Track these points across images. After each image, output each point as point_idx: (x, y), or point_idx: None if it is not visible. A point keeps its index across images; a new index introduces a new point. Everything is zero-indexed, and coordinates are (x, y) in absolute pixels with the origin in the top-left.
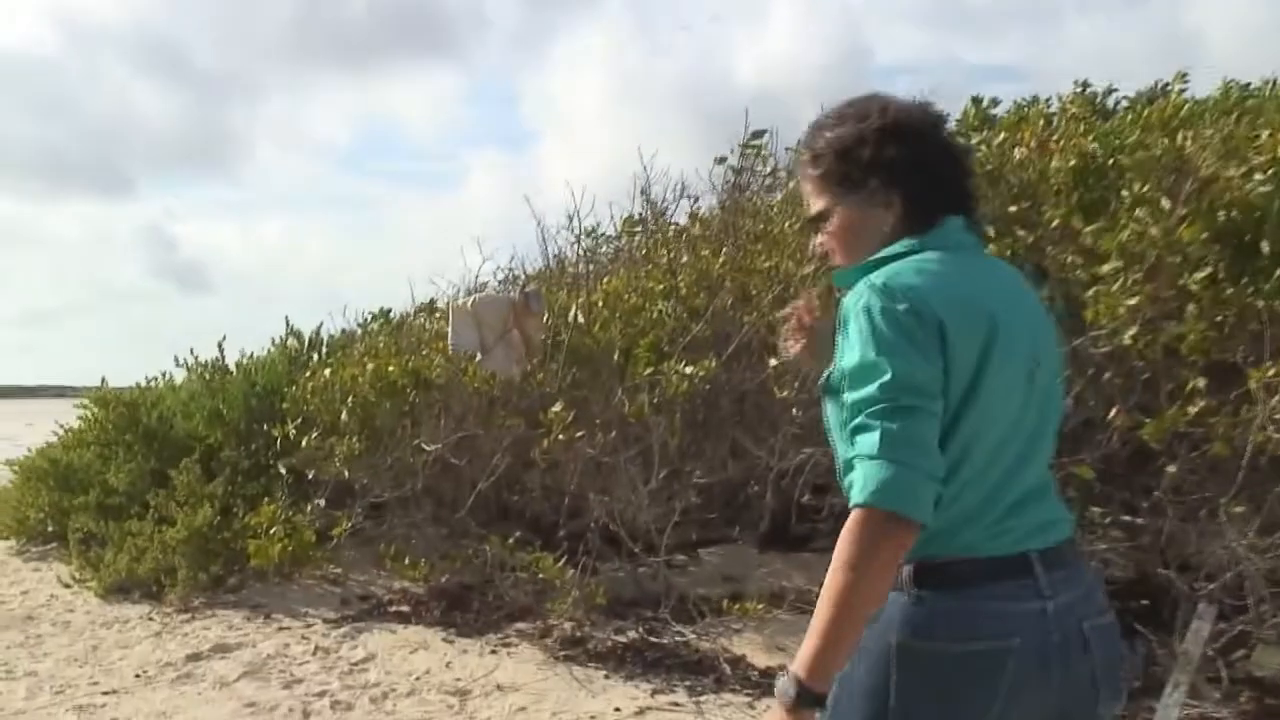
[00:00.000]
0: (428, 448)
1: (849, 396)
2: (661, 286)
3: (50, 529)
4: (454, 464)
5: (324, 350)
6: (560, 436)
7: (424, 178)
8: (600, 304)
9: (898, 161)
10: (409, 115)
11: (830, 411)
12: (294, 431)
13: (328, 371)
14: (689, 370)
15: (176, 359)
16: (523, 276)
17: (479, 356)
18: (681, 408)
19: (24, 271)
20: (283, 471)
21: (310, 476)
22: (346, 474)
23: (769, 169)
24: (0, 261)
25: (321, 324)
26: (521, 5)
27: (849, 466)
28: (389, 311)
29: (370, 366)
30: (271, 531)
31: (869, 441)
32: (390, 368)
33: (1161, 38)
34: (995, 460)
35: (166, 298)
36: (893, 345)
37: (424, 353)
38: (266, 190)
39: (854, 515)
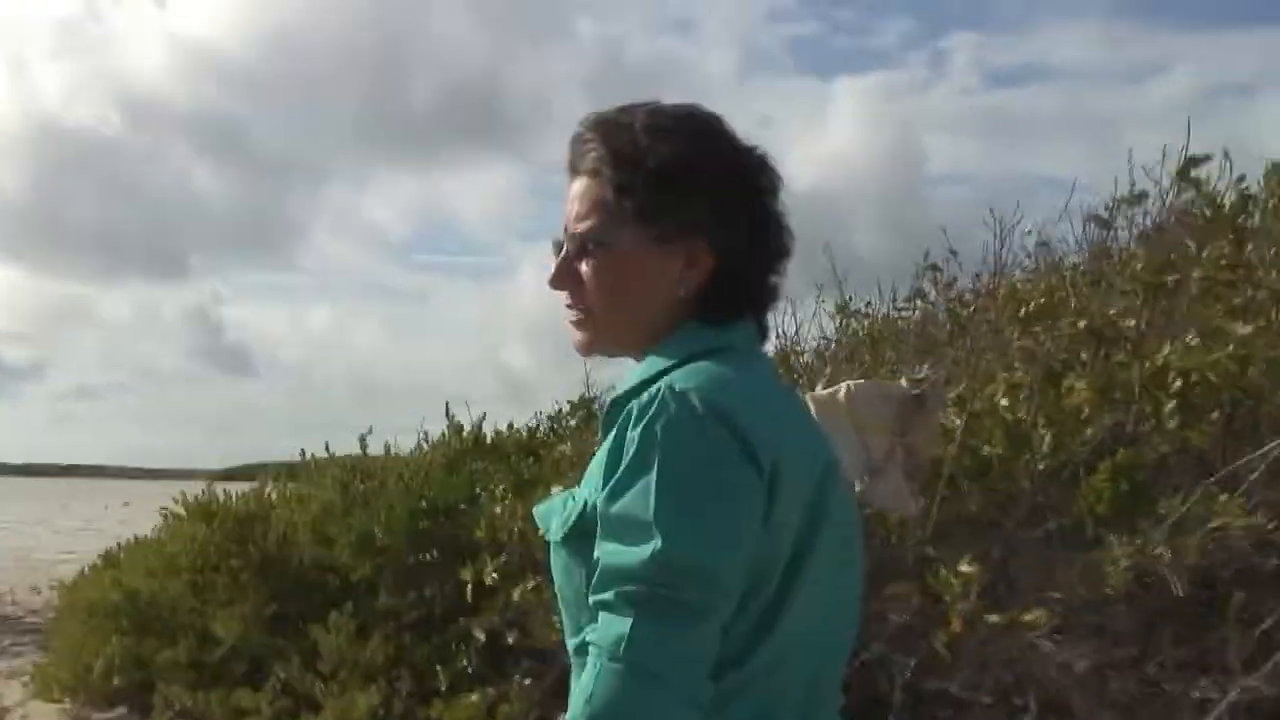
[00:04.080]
0: None
1: (601, 555)
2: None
3: (117, 684)
4: None
5: (499, 453)
6: (961, 611)
7: (474, 269)
8: (1000, 398)
9: (728, 209)
10: (465, 207)
11: (561, 559)
12: (494, 576)
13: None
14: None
15: (304, 454)
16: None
17: (860, 480)
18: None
19: (76, 349)
20: (476, 635)
21: (510, 643)
22: None
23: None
24: (54, 339)
25: (484, 416)
26: (587, 101)
27: (580, 648)
28: (591, 402)
29: None
30: None
31: (614, 634)
32: None
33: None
34: (811, 673)
35: (208, 381)
36: (689, 503)
37: None
38: (318, 277)
39: None
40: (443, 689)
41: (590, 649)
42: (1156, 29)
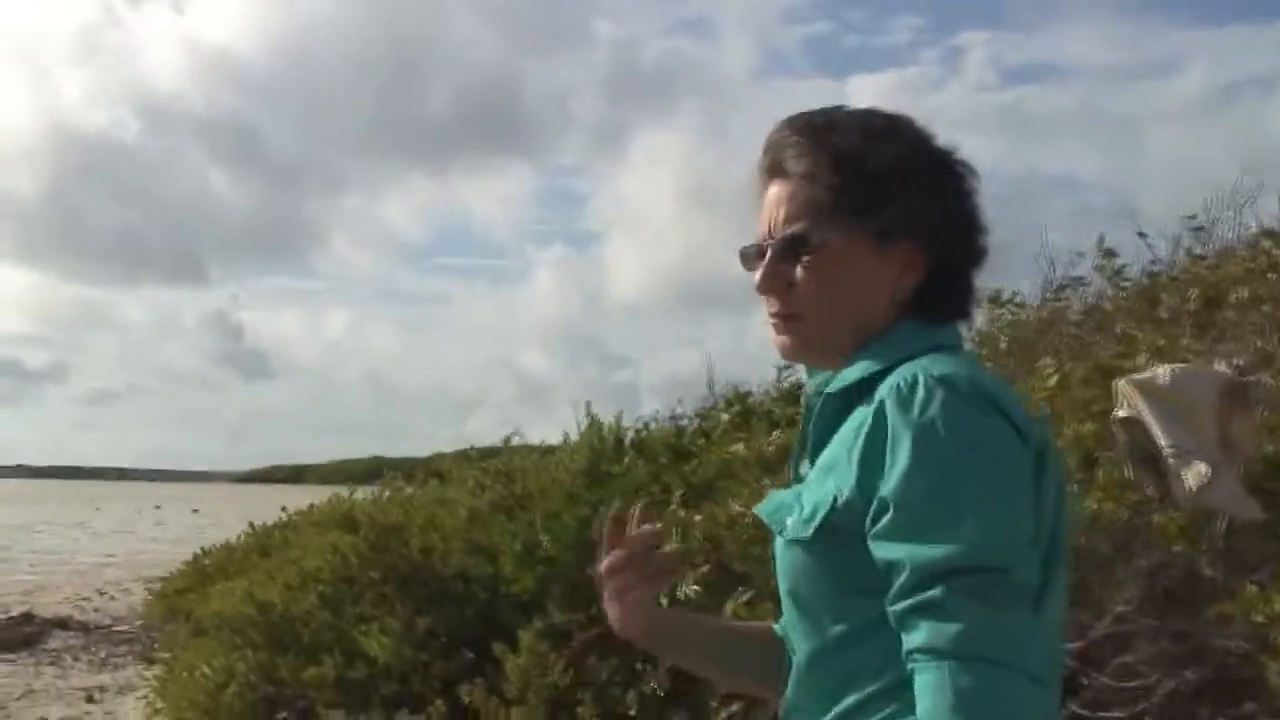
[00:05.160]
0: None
1: (902, 554)
2: None
3: (251, 700)
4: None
5: (643, 455)
6: None
7: (491, 273)
8: None
9: (941, 211)
10: (482, 211)
11: (800, 559)
12: (694, 590)
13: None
14: None
15: (437, 454)
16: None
17: (1200, 474)
18: None
19: (95, 353)
20: None
21: None
22: None
23: None
24: (74, 343)
25: (621, 414)
26: (602, 104)
27: (823, 655)
28: (747, 396)
29: None
30: None
31: (952, 632)
32: None
33: (1245, 147)
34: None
35: (227, 384)
36: (987, 487)
37: None
38: (336, 282)
39: None
40: (632, 713)
41: (920, 656)
42: (1172, 24)
